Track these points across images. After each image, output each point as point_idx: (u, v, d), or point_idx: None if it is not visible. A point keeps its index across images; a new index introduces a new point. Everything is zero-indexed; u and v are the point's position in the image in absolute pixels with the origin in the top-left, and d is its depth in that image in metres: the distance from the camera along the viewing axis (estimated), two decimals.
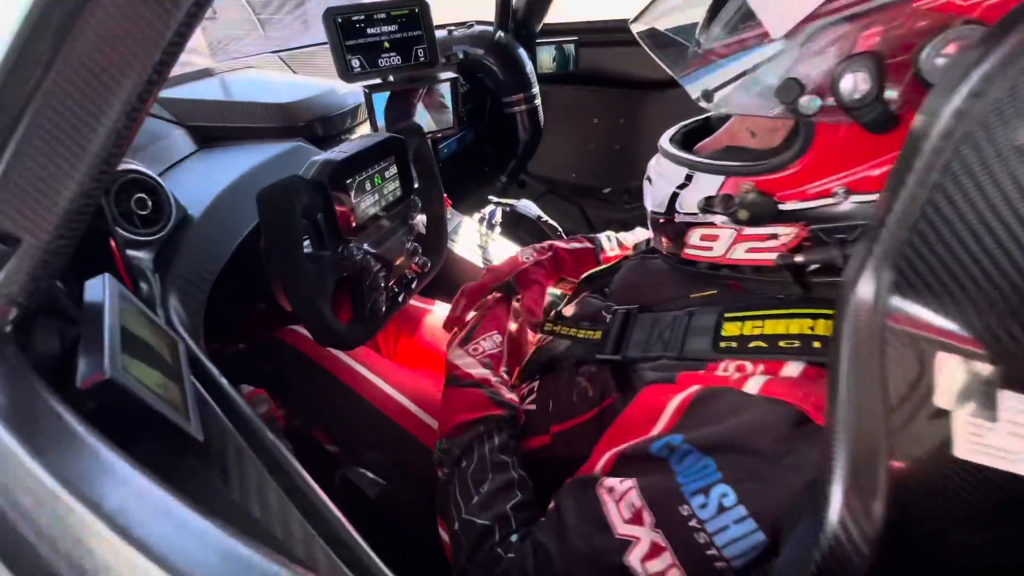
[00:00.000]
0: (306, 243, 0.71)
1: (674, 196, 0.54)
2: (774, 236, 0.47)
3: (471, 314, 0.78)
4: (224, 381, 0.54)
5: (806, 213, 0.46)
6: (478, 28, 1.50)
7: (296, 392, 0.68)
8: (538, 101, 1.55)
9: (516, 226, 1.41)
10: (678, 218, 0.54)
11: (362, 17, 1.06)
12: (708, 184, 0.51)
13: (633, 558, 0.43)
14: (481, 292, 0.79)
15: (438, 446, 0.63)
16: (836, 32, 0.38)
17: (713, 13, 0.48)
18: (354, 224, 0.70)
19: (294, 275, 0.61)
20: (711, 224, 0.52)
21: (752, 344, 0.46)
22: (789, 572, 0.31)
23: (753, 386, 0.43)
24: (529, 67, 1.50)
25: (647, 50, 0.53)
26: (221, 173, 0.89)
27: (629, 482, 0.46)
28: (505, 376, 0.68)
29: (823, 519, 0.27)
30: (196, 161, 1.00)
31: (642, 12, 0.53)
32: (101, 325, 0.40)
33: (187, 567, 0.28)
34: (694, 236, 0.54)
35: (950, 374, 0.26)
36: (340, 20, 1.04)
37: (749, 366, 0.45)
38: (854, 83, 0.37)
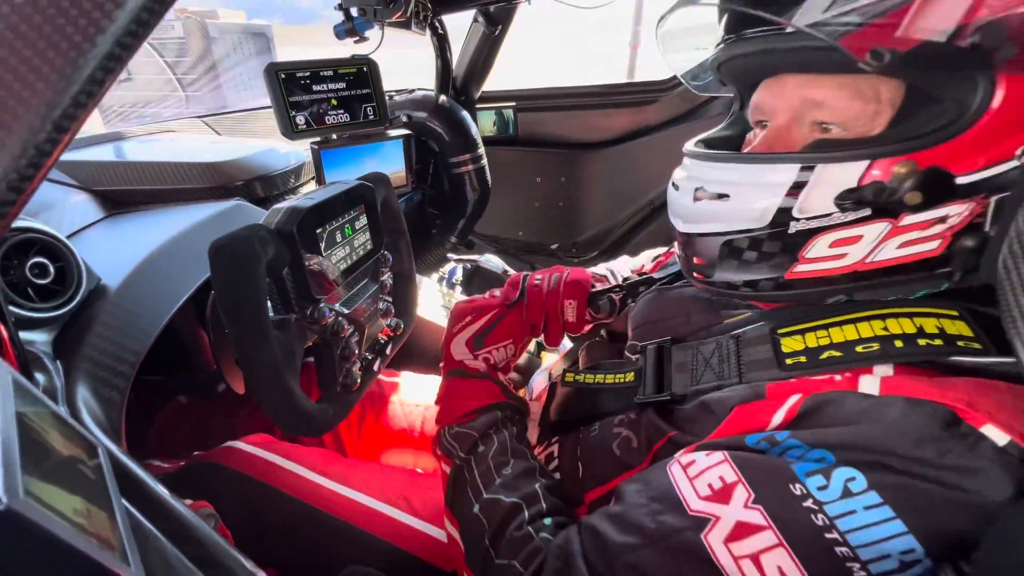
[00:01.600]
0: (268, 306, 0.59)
1: (784, 203, 0.43)
2: (942, 220, 0.40)
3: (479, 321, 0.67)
4: (165, 493, 0.40)
5: (987, 183, 0.38)
6: (420, 93, 1.51)
7: (241, 526, 0.52)
8: (484, 161, 1.55)
9: (472, 281, 1.35)
10: (796, 227, 0.43)
11: (307, 73, 1.01)
12: (844, 175, 0.41)
13: (714, 537, 0.35)
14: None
15: (444, 433, 0.58)
16: None
17: None
18: (327, 281, 0.60)
19: (258, 344, 0.49)
20: (851, 224, 0.42)
21: (824, 355, 0.41)
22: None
23: (871, 384, 0.37)
24: (474, 129, 1.51)
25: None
26: (141, 238, 0.74)
27: (718, 455, 0.39)
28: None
29: None
30: (106, 227, 0.84)
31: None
32: None
33: None
34: (820, 245, 0.43)
35: None
36: (283, 76, 0.98)
37: (838, 379, 0.40)
38: None
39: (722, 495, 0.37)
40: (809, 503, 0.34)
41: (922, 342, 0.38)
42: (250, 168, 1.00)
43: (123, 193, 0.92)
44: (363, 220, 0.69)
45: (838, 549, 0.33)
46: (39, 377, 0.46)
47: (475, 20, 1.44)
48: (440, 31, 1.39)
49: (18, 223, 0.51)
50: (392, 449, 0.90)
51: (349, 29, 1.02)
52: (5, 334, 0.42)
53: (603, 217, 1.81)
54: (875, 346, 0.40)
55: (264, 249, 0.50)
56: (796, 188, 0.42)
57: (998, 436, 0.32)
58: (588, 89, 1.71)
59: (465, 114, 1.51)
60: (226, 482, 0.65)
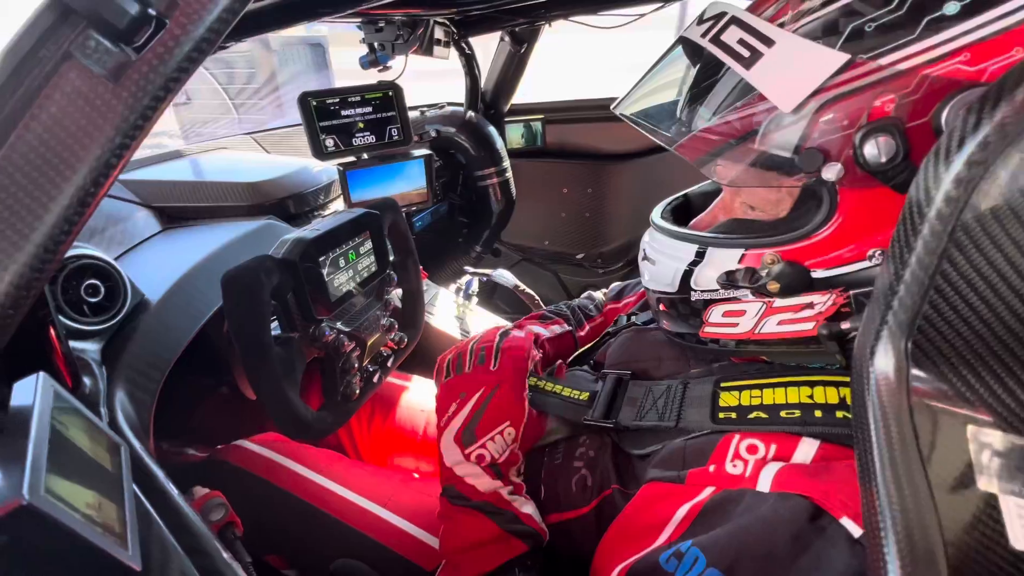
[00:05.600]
0: (275, 325, 0.66)
1: (687, 274, 0.51)
2: (809, 305, 0.45)
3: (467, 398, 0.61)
4: (173, 490, 0.48)
5: (842, 278, 0.43)
6: (449, 108, 1.58)
7: (243, 517, 0.59)
8: (509, 174, 1.60)
9: (493, 295, 1.40)
10: (695, 296, 0.51)
11: (336, 100, 1.10)
12: (726, 259, 0.48)
13: None
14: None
15: None
16: (847, 102, 0.39)
17: (702, 92, 0.48)
18: (327, 302, 0.67)
19: (260, 360, 0.57)
20: (734, 299, 0.49)
21: (752, 415, 0.44)
22: None
23: (766, 481, 0.40)
24: (499, 143, 1.56)
25: (644, 133, 0.52)
26: (185, 254, 0.85)
27: None
28: (517, 480, 0.58)
29: None
30: (159, 242, 0.96)
31: (627, 95, 0.54)
32: (26, 438, 0.35)
33: None
34: (715, 313, 0.50)
35: (988, 451, 0.24)
36: (315, 103, 1.07)
37: (761, 447, 0.42)
38: (877, 148, 0.37)
39: None
40: None
41: (840, 414, 0.41)
42: (284, 187, 1.10)
43: (175, 209, 1.05)
44: (368, 245, 0.76)
45: None
46: (87, 381, 0.56)
47: (501, 39, 1.48)
48: (467, 51, 1.45)
49: (78, 251, 0.62)
50: (398, 449, 0.97)
51: (372, 60, 1.10)
52: (57, 345, 0.51)
53: (629, 228, 1.81)
54: (797, 413, 0.42)
55: (268, 278, 0.57)
56: (694, 264, 0.50)
57: (853, 528, 0.34)
58: None
59: (491, 129, 1.56)
60: (232, 477, 0.74)
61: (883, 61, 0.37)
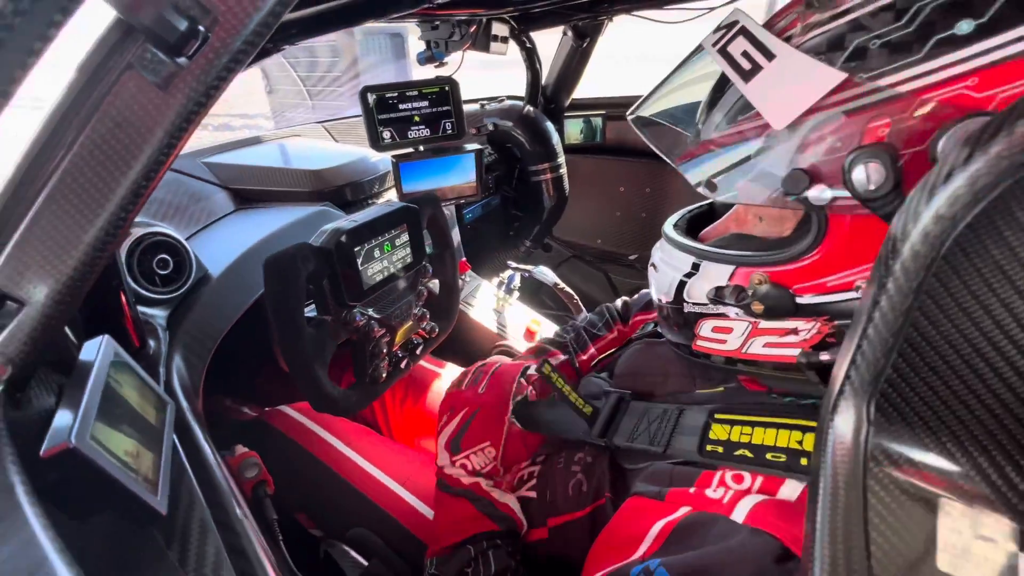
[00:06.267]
0: (312, 307, 0.72)
1: (681, 284, 0.51)
2: (794, 331, 0.44)
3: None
4: (207, 447, 0.54)
5: (827, 307, 0.42)
6: (508, 102, 1.59)
7: (278, 477, 0.66)
8: (563, 170, 1.59)
9: (536, 292, 1.41)
10: (687, 308, 0.51)
11: (395, 94, 1.14)
12: (717, 274, 0.48)
13: None
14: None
15: (429, 565, 0.59)
16: (844, 123, 0.37)
17: (713, 102, 0.48)
18: (360, 290, 0.71)
19: (293, 339, 0.62)
20: (723, 316, 0.48)
21: (738, 452, 0.43)
22: None
23: (742, 511, 0.39)
24: (555, 138, 1.55)
25: (646, 140, 0.52)
26: (248, 234, 0.94)
27: None
28: (500, 477, 0.62)
29: None
30: (231, 221, 1.07)
31: (640, 103, 0.53)
32: (83, 390, 0.41)
33: None
34: (705, 327, 0.51)
35: (955, 531, 0.22)
36: (375, 97, 1.12)
37: (747, 478, 0.41)
38: (866, 174, 0.35)
39: None
40: None
41: None
42: (343, 175, 1.17)
43: (248, 192, 1.16)
44: (404, 237, 0.80)
45: None
46: (152, 343, 0.64)
47: (564, 34, 1.47)
48: (528, 45, 1.45)
49: (152, 228, 0.70)
50: (425, 432, 1.02)
51: (428, 57, 1.13)
52: (128, 311, 0.59)
53: None
54: (783, 457, 0.41)
55: (305, 264, 0.62)
56: (688, 275, 0.50)
57: None
58: None
59: (548, 124, 1.56)
60: (273, 438, 0.81)
61: (883, 82, 0.34)
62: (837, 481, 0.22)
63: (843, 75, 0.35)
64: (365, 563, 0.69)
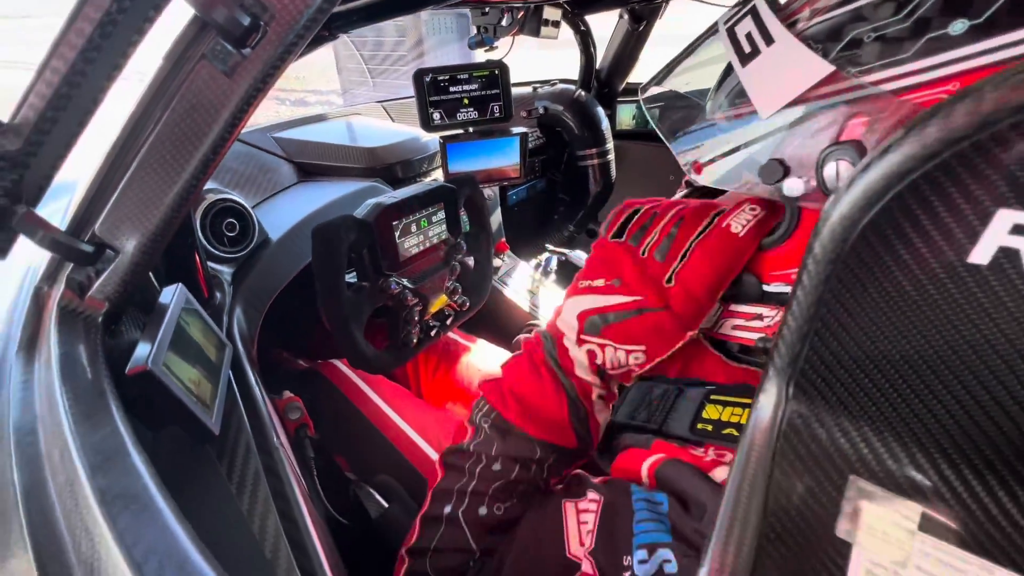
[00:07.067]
0: (353, 275, 0.80)
1: None
2: (759, 316, 0.45)
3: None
4: (256, 386, 0.63)
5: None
6: (560, 86, 1.60)
7: (324, 420, 0.73)
8: (611, 156, 1.59)
9: (572, 275, 1.43)
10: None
11: (447, 77, 1.19)
12: None
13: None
14: None
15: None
16: (824, 117, 0.36)
17: (720, 83, 0.47)
18: (397, 260, 0.78)
19: (333, 300, 0.70)
20: None
21: (726, 431, 0.44)
22: None
23: (721, 473, 0.41)
24: (605, 124, 1.55)
25: (649, 119, 0.52)
26: (306, 204, 1.03)
27: (596, 498, 0.44)
28: (614, 389, 0.56)
29: None
30: (293, 192, 1.17)
31: (651, 80, 0.53)
32: (160, 326, 0.50)
33: None
34: None
35: (853, 502, 0.24)
36: (428, 79, 1.18)
37: (729, 456, 0.43)
38: (836, 171, 0.35)
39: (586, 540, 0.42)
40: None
41: None
42: (395, 153, 1.25)
43: (310, 166, 1.26)
44: (441, 215, 0.85)
45: None
46: (218, 295, 0.74)
47: (620, 17, 1.45)
48: (583, 28, 1.44)
49: (223, 195, 0.80)
50: (453, 397, 1.10)
51: (479, 41, 1.16)
52: (200, 266, 0.69)
53: None
54: None
55: (347, 235, 0.70)
56: None
57: None
58: None
59: (598, 110, 1.55)
60: (321, 386, 0.91)
61: (867, 79, 0.34)
62: (752, 450, 0.25)
63: (830, 68, 0.35)
64: (386, 505, 0.77)
